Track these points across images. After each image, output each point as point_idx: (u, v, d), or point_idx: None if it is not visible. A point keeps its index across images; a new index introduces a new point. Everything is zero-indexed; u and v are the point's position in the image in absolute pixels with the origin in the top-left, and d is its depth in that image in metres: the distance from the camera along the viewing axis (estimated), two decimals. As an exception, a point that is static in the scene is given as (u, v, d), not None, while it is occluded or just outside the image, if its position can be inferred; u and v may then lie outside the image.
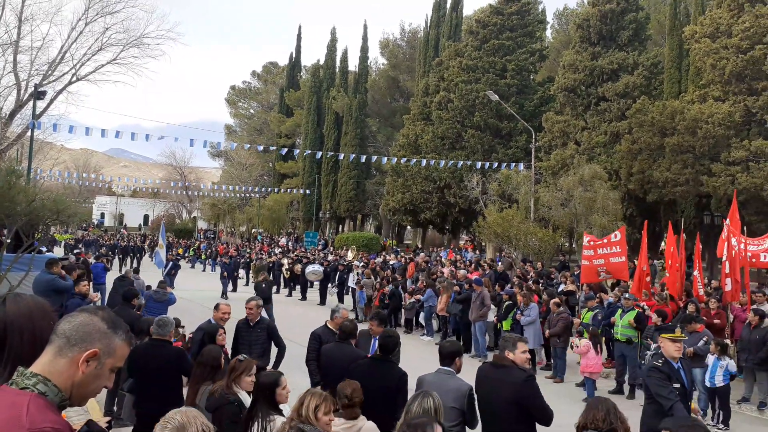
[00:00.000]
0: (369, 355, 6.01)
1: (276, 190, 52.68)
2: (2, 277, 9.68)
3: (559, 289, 15.05)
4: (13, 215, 10.58)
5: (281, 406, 4.20)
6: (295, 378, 7.11)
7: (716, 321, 11.23)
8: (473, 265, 21.31)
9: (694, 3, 26.62)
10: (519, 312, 12.49)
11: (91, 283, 14.61)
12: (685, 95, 23.57)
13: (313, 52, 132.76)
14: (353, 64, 50.48)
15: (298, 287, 22.93)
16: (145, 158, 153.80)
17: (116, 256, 32.81)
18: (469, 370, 6.06)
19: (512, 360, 4.57)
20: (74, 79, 22.91)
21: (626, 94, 26.36)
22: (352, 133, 45.88)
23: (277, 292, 22.38)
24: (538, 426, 4.54)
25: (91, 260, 18.59)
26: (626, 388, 10.61)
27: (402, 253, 29.23)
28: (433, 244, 40.38)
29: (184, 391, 5.40)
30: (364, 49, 48.42)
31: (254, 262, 26.86)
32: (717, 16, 22.52)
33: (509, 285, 15.06)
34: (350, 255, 28.41)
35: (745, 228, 14.28)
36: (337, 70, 52.56)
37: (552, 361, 12.05)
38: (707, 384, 9.09)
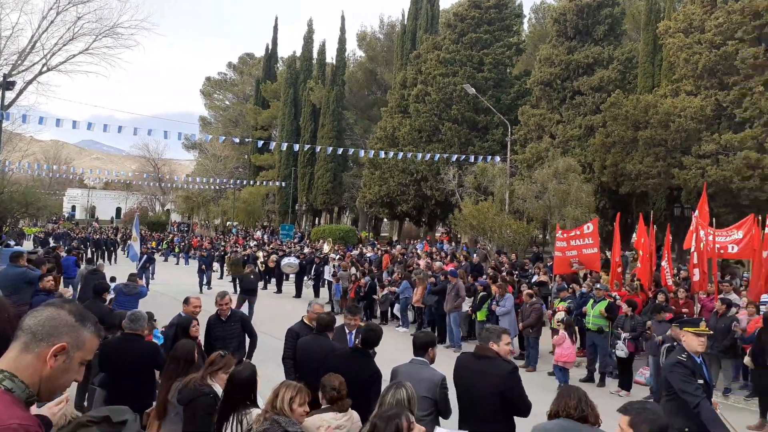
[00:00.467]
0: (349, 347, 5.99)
1: (251, 182, 52.21)
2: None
3: (533, 281, 15.26)
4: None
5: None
6: (271, 371, 7.11)
7: (684, 310, 11.48)
8: (449, 257, 21.47)
9: (668, -2, 27.04)
10: (495, 303, 12.65)
11: (61, 277, 14.38)
12: (659, 89, 23.95)
13: (290, 44, 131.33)
14: (330, 56, 50.18)
15: (273, 280, 22.85)
16: (117, 150, 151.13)
17: (89, 249, 32.26)
18: (444, 360, 6.12)
19: (496, 351, 4.60)
20: (45, 69, 22.43)
21: (601, 88, 26.69)
22: (329, 125, 45.66)
23: (254, 285, 22.23)
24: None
25: (63, 254, 18.23)
26: (597, 376, 10.85)
27: (378, 246, 29.27)
28: (409, 236, 40.48)
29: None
30: (342, 41, 48.14)
31: (229, 255, 26.65)
32: (690, 11, 22.92)
33: (484, 276, 15.22)
34: (326, 247, 28.32)
35: (714, 220, 14.61)
36: (315, 62, 52.17)
37: (525, 350, 12.23)
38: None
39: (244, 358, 6.56)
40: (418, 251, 25.07)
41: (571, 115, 27.27)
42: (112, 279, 12.70)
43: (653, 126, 21.99)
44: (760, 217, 13.17)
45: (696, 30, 22.25)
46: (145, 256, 21.52)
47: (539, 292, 13.47)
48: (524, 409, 4.47)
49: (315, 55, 52.27)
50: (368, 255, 23.59)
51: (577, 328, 11.86)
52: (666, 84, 24.02)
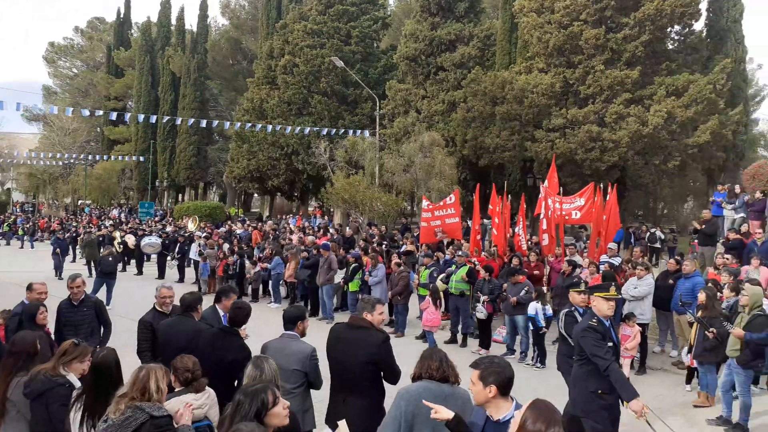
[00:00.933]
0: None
1: (105, 157, 48.38)
2: None
3: (401, 250, 15.79)
4: None
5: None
6: (131, 357, 6.70)
7: (536, 272, 12.53)
8: (321, 230, 21.52)
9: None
10: (368, 273, 12.93)
11: None
12: (514, 66, 25.40)
13: (145, 8, 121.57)
14: (190, 23, 47.47)
15: (133, 261, 21.51)
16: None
17: None
18: (317, 333, 6.16)
19: (370, 321, 4.69)
20: None
21: (462, 64, 27.73)
22: (190, 96, 43.34)
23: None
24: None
25: None
26: (459, 337, 11.57)
27: (248, 222, 28.56)
28: (281, 211, 39.93)
29: None
30: (204, 8, 45.55)
31: (81, 236, 24.61)
32: (543, -9, 24.19)
33: (355, 248, 15.47)
34: (191, 225, 27.12)
35: (561, 189, 15.97)
36: (173, 28, 48.94)
37: (394, 317, 12.68)
38: (531, 328, 10.18)
39: (97, 346, 6.11)
40: (291, 226, 24.83)
41: (435, 91, 28.13)
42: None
43: (509, 101, 23.37)
44: (600, 186, 14.65)
45: (547, 10, 23.71)
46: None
47: (407, 261, 13.97)
48: (393, 376, 4.62)
49: (173, 21, 49.07)
50: (238, 232, 22.94)
51: (442, 293, 12.48)
52: (521, 61, 25.45)
